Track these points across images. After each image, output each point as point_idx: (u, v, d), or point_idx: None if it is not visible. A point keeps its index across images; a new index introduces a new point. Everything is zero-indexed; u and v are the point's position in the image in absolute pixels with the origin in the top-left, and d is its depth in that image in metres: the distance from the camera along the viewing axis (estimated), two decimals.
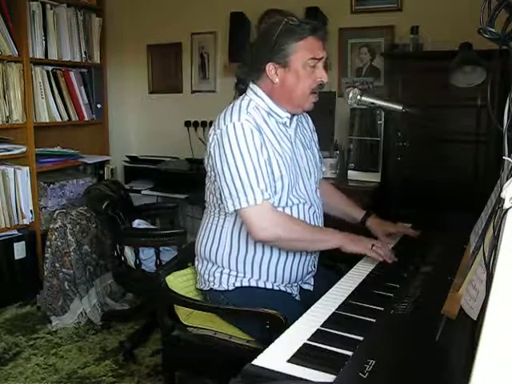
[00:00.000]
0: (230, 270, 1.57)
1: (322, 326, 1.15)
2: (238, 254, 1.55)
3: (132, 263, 2.44)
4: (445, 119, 2.83)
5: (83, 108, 3.48)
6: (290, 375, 0.93)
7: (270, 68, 1.50)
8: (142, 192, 3.58)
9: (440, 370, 0.89)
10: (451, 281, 1.19)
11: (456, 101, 2.78)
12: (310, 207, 1.60)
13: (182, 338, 1.61)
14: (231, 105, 1.53)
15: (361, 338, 1.06)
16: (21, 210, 3.02)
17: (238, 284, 1.56)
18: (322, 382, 0.91)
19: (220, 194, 1.50)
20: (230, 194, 1.45)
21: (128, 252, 2.47)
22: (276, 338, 1.09)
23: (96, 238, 2.90)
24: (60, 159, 3.34)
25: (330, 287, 1.39)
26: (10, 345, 2.53)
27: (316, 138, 1.78)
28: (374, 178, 2.98)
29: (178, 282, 1.66)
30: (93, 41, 3.52)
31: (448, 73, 2.61)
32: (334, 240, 1.52)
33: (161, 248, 2.41)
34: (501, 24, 0.94)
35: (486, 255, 0.79)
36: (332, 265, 1.87)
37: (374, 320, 1.16)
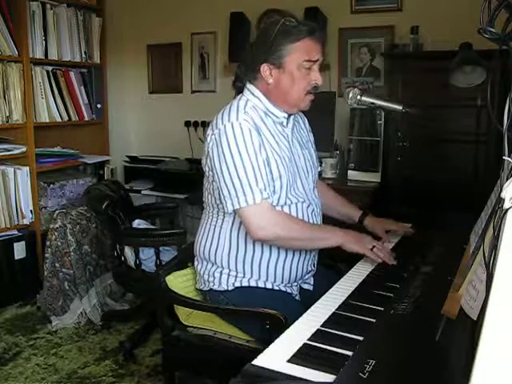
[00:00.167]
0: (230, 270, 1.57)
1: (322, 325, 1.15)
2: (237, 253, 1.55)
3: (132, 263, 2.44)
4: (445, 119, 2.82)
5: (83, 108, 3.48)
6: (290, 375, 0.93)
7: (265, 69, 1.50)
8: (142, 192, 3.58)
9: (440, 370, 0.89)
10: (451, 281, 1.19)
11: (456, 101, 2.78)
12: (309, 206, 1.60)
13: (181, 338, 1.61)
14: (229, 105, 1.53)
15: (361, 338, 1.06)
16: (21, 209, 3.02)
17: (237, 284, 1.56)
18: (322, 382, 0.91)
19: (218, 194, 1.50)
20: (229, 193, 1.45)
21: (128, 252, 2.47)
22: (276, 338, 1.09)
23: (96, 238, 2.90)
24: (60, 159, 3.34)
25: (330, 287, 1.39)
26: (9, 345, 2.53)
27: (312, 139, 1.78)
28: (374, 178, 2.97)
29: (178, 282, 1.66)
30: (93, 41, 3.52)
31: (448, 73, 2.61)
32: (335, 238, 1.52)
33: (161, 248, 2.41)
34: (501, 24, 0.94)
35: (486, 255, 0.79)
36: (332, 265, 1.87)
37: (374, 320, 1.16)
